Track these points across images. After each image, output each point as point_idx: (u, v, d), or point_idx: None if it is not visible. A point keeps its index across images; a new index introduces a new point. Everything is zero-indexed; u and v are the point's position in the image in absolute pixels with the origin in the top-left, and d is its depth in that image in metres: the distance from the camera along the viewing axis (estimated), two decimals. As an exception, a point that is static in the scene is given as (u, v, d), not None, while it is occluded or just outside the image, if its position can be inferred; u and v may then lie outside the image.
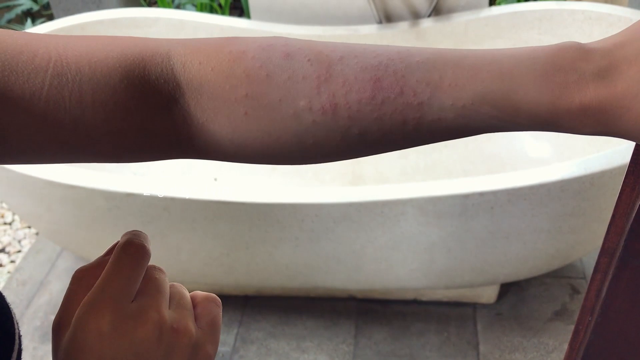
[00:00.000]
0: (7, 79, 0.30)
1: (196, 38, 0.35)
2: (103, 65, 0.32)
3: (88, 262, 0.36)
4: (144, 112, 0.33)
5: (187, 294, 0.36)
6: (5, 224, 1.90)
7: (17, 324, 0.35)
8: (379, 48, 0.34)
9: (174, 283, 0.36)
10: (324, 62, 0.33)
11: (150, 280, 0.34)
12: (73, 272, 0.35)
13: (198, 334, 0.34)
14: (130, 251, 0.34)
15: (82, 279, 0.34)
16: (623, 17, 1.52)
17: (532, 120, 0.33)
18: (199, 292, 0.37)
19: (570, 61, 0.31)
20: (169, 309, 0.34)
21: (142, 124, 0.34)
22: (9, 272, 1.72)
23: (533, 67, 0.32)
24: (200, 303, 0.36)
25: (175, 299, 0.35)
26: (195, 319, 0.35)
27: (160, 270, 0.35)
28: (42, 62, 0.31)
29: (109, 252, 0.36)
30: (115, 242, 0.35)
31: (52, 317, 1.55)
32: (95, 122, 0.32)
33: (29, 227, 1.86)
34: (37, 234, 1.83)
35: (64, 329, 0.32)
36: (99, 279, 0.33)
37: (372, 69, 0.33)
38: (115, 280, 0.32)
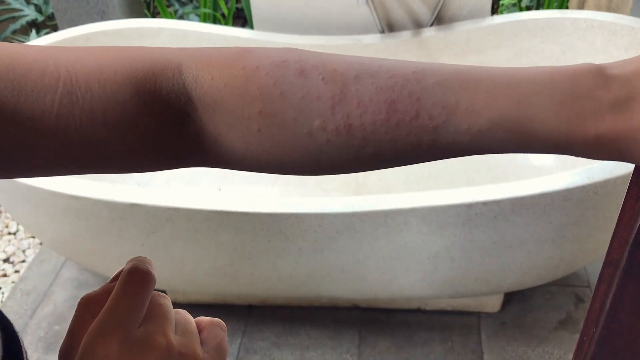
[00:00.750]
0: (16, 98, 0.30)
1: (207, 48, 0.35)
2: (113, 82, 0.32)
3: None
4: (156, 127, 0.33)
5: (192, 320, 0.36)
6: (9, 233, 1.90)
7: (26, 352, 0.35)
8: (394, 66, 0.34)
9: (179, 309, 0.36)
10: (338, 81, 0.33)
11: (156, 306, 0.34)
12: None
13: (205, 358, 0.34)
14: (136, 277, 0.34)
15: (88, 306, 0.34)
16: (626, 26, 1.52)
17: (546, 147, 0.33)
18: (203, 318, 0.37)
19: (589, 89, 0.31)
20: (175, 334, 0.34)
21: (154, 139, 0.34)
22: (13, 282, 1.72)
23: (550, 94, 0.32)
24: (205, 328, 0.36)
25: (181, 324, 0.35)
26: (201, 343, 0.35)
27: (164, 296, 0.35)
28: (52, 80, 0.31)
29: (115, 279, 0.36)
30: (120, 268, 0.36)
31: (56, 328, 1.55)
32: (107, 139, 0.32)
33: (33, 237, 1.87)
34: (41, 243, 1.84)
35: (72, 356, 0.32)
36: (106, 305, 0.33)
37: (387, 90, 0.33)
38: (122, 307, 0.32)
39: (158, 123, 0.33)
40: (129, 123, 0.32)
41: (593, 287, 1.55)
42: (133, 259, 0.35)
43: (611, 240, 0.49)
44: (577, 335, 0.55)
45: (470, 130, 0.32)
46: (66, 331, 0.34)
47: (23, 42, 2.32)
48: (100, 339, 0.31)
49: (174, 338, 0.33)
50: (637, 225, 0.45)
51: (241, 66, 0.33)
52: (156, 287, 0.35)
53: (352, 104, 0.33)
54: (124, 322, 0.31)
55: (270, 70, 0.33)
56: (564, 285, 1.58)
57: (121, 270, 0.35)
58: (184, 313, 0.36)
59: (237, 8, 2.67)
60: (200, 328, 0.36)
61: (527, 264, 1.27)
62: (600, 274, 0.50)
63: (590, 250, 1.30)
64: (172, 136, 0.34)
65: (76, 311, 0.34)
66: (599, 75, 0.31)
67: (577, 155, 0.33)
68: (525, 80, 0.32)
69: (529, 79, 0.32)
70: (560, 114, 0.31)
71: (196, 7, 2.49)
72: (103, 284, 0.36)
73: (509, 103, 0.32)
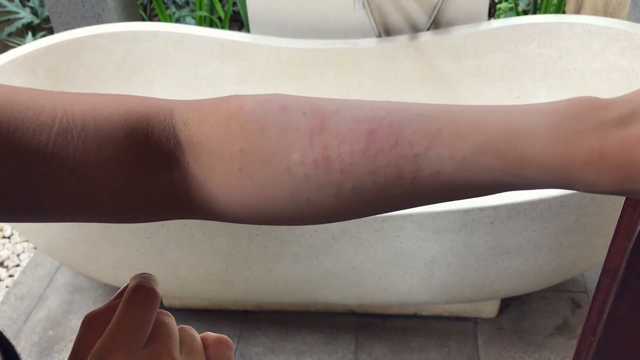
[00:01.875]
0: (12, 135, 0.29)
1: (200, 99, 0.36)
2: (109, 122, 0.32)
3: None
4: (145, 170, 0.33)
5: (198, 337, 0.36)
6: (4, 237, 1.89)
7: None
8: (377, 102, 0.33)
9: (184, 326, 0.36)
10: (318, 114, 0.33)
11: (161, 325, 0.33)
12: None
13: None
14: (141, 295, 0.33)
15: (91, 324, 0.33)
16: (622, 31, 1.52)
17: (542, 173, 0.30)
18: (209, 334, 0.37)
19: (588, 110, 0.29)
20: (181, 353, 0.33)
21: (143, 182, 0.33)
22: (7, 287, 1.71)
23: (543, 117, 0.30)
24: (211, 345, 0.36)
25: (186, 342, 0.34)
26: None
27: (168, 314, 0.35)
28: (48, 118, 0.31)
29: (119, 296, 0.35)
30: (124, 285, 0.35)
31: (50, 333, 1.54)
32: (98, 180, 0.32)
33: (28, 241, 1.86)
34: (35, 248, 1.83)
35: None
36: (110, 324, 0.32)
37: (367, 120, 0.32)
38: (127, 326, 0.31)
39: (148, 166, 0.33)
40: (120, 164, 0.32)
41: (590, 292, 1.55)
42: (137, 275, 0.35)
43: (609, 250, 0.48)
44: (574, 341, 0.54)
45: (454, 157, 0.31)
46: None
47: (19, 44, 2.31)
48: (105, 359, 0.30)
49: (180, 358, 0.32)
50: (635, 235, 0.45)
51: (226, 107, 0.34)
52: None
53: (330, 135, 0.32)
54: (129, 342, 0.31)
55: (253, 108, 0.33)
56: (560, 291, 1.58)
57: (125, 287, 0.34)
58: (188, 330, 0.35)
59: (233, 11, 2.67)
60: (205, 345, 0.36)
61: (523, 269, 1.27)
62: (598, 283, 0.50)
63: (587, 257, 1.29)
64: (161, 180, 0.34)
65: (80, 330, 0.34)
66: (597, 101, 0.29)
67: (578, 187, 0.30)
68: (514, 110, 0.31)
69: (517, 109, 0.31)
70: (555, 133, 0.29)
71: (192, 10, 2.49)
72: (107, 301, 0.35)
73: (495, 126, 0.30)
